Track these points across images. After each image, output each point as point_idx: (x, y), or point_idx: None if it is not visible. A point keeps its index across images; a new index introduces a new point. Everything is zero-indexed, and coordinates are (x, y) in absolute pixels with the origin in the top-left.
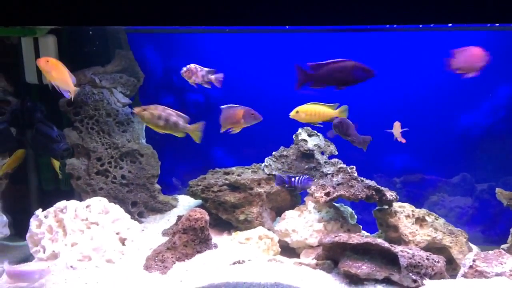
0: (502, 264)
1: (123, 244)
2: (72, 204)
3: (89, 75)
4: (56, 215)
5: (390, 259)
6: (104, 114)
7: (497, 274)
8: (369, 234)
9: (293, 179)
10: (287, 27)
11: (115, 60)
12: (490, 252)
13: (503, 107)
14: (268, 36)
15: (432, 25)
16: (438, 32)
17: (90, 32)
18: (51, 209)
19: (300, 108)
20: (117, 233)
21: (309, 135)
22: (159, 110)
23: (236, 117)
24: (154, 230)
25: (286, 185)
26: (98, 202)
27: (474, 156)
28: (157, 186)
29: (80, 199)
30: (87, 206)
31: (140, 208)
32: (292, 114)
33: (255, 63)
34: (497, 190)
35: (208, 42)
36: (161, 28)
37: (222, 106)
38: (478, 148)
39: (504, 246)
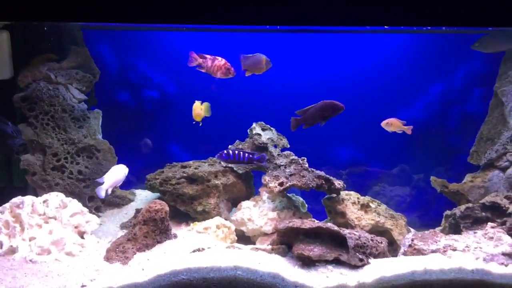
0: (436, 242)
1: (82, 237)
2: (29, 199)
3: (44, 71)
4: (13, 211)
5: (339, 242)
6: (60, 110)
7: (433, 251)
8: (319, 221)
9: (236, 152)
10: (243, 26)
11: (70, 57)
12: (426, 232)
13: (435, 103)
14: (222, 34)
15: (370, 27)
16: (377, 34)
17: (45, 28)
18: (6, 205)
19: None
20: (76, 227)
21: (263, 129)
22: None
23: (260, 63)
24: (112, 224)
25: (231, 159)
26: (55, 197)
27: (411, 149)
28: None
29: (36, 195)
30: (44, 201)
31: (97, 203)
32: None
33: None
34: (432, 178)
35: (165, 39)
36: (116, 25)
37: (244, 55)
38: (415, 142)
39: (438, 228)
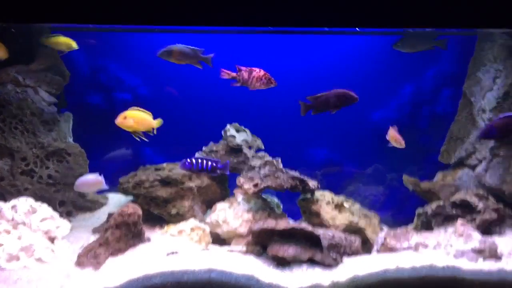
0: (408, 240)
1: (53, 243)
2: None
3: (12, 74)
4: None
5: (313, 242)
6: (29, 113)
7: (405, 249)
8: (294, 221)
9: (200, 160)
10: (214, 27)
11: (39, 59)
12: (398, 230)
13: (407, 104)
14: (194, 36)
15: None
16: (349, 35)
17: (13, 30)
18: None
19: (129, 113)
20: (46, 232)
21: (237, 131)
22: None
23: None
24: (84, 229)
25: (194, 169)
26: (24, 202)
27: (384, 149)
28: None
29: (4, 200)
30: (13, 207)
31: (68, 207)
32: (119, 121)
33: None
34: (404, 177)
35: (137, 40)
36: (86, 26)
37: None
38: (387, 141)
39: (410, 226)
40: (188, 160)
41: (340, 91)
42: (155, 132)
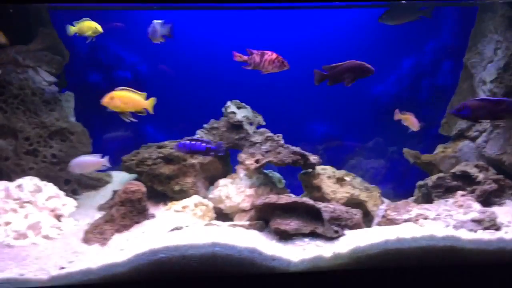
0: (409, 212)
1: (59, 220)
2: (2, 184)
3: (12, 54)
4: None
5: (314, 215)
6: (30, 93)
7: (405, 221)
8: (296, 196)
9: (193, 142)
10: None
11: (38, 38)
12: (399, 202)
13: (407, 77)
14: (194, 12)
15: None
16: (350, 8)
17: (10, 10)
18: None
19: (116, 94)
20: (52, 210)
21: (238, 108)
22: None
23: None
24: (90, 206)
25: (187, 150)
26: (29, 181)
27: (385, 122)
28: None
29: (10, 180)
30: (19, 186)
31: (73, 186)
32: (105, 101)
33: (184, 40)
34: (404, 150)
35: (136, 18)
36: (85, 5)
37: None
38: (388, 115)
39: (411, 198)
40: (182, 142)
41: (357, 63)
42: (151, 111)
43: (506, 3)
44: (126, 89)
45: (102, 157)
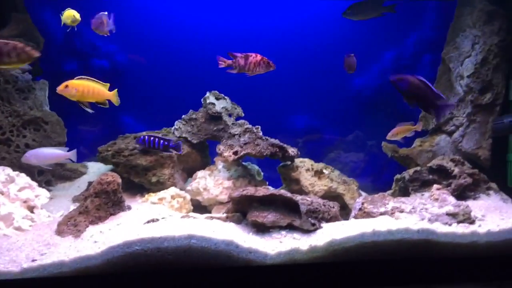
0: (385, 205)
1: (32, 212)
2: None
3: None
4: None
5: (292, 208)
6: (2, 81)
7: (381, 214)
8: (274, 188)
9: (152, 138)
10: None
11: (11, 24)
12: (376, 195)
13: (388, 70)
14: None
15: None
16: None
17: None
18: None
19: (71, 82)
20: (25, 201)
21: (217, 99)
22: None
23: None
24: (64, 198)
25: (146, 145)
26: (1, 172)
27: (365, 116)
28: None
29: None
30: None
31: (47, 177)
32: (60, 89)
33: (164, 28)
34: (383, 143)
35: (113, 5)
36: None
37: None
38: (368, 108)
39: (389, 192)
40: (142, 137)
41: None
42: (116, 102)
43: None
44: (85, 78)
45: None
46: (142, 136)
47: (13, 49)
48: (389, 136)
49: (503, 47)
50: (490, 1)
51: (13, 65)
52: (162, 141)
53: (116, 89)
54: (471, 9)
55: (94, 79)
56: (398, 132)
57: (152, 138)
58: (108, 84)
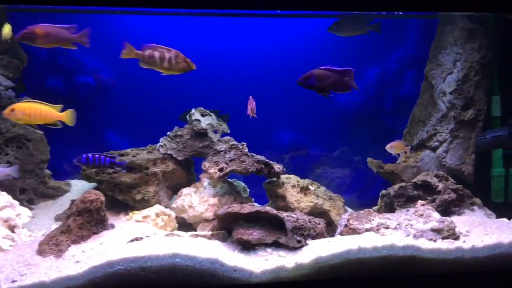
0: (370, 221)
1: (13, 231)
2: None
3: None
4: None
5: (278, 225)
6: None
7: (367, 230)
8: (260, 205)
9: (96, 156)
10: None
11: None
12: (361, 212)
13: (372, 86)
14: (155, 18)
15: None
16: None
17: None
18: None
19: (18, 105)
20: (6, 221)
21: (202, 115)
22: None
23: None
24: (46, 216)
25: (90, 164)
26: None
27: (351, 131)
28: (47, 172)
29: None
30: None
31: (29, 195)
32: (5, 113)
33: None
34: (368, 159)
35: (98, 22)
36: (44, 7)
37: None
38: (354, 124)
39: (375, 207)
40: (85, 155)
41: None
42: (69, 123)
43: (466, 16)
44: (32, 101)
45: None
46: (84, 155)
47: (175, 57)
48: (387, 147)
49: (484, 64)
50: (471, 20)
51: (170, 72)
52: (108, 158)
53: (71, 110)
54: (452, 27)
55: (41, 102)
56: (395, 146)
57: (97, 156)
58: (60, 106)
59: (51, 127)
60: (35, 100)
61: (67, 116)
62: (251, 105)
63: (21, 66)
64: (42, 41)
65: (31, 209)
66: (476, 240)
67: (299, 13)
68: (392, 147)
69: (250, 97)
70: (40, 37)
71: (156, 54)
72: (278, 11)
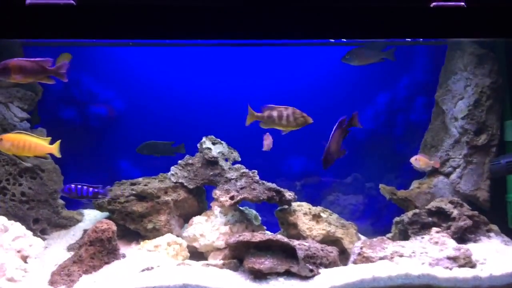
0: (384, 249)
1: (26, 262)
2: None
3: None
4: None
5: (289, 253)
6: (0, 130)
7: (381, 258)
8: (272, 233)
9: (79, 186)
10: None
11: None
12: (374, 239)
13: (382, 113)
14: (167, 48)
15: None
16: (323, 46)
17: None
18: None
19: (6, 136)
20: (19, 251)
21: (213, 143)
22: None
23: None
24: (59, 246)
25: (73, 194)
26: None
27: (363, 158)
28: (60, 202)
29: None
30: None
31: (42, 225)
32: None
33: (158, 74)
34: (380, 186)
35: (110, 54)
36: (58, 41)
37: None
38: (366, 151)
39: (389, 235)
40: (68, 186)
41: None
42: (57, 155)
43: (475, 41)
44: (23, 133)
45: None
46: (67, 185)
47: (292, 114)
48: (412, 159)
49: (495, 89)
50: (480, 45)
51: (289, 128)
52: (91, 188)
53: (59, 142)
54: (461, 52)
55: (31, 134)
56: (420, 159)
57: (79, 186)
58: (49, 138)
59: (42, 158)
60: (25, 132)
61: (56, 149)
62: (267, 141)
63: (36, 98)
64: (16, 76)
65: (44, 239)
66: (494, 268)
67: (306, 42)
68: (417, 160)
69: (267, 133)
70: (14, 71)
71: (274, 113)
72: (286, 40)
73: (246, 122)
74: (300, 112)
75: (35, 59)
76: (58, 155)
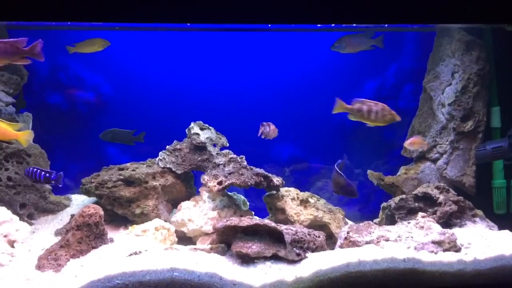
0: (370, 234)
1: (12, 246)
2: None
3: None
4: None
5: (277, 238)
6: None
7: (367, 242)
8: (260, 218)
9: (35, 170)
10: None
11: None
12: (361, 224)
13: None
14: (158, 32)
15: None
16: (311, 33)
17: None
18: None
19: None
20: (5, 236)
21: (201, 129)
22: None
23: None
24: (46, 231)
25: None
26: None
27: (351, 144)
28: (48, 187)
29: None
30: None
31: (29, 210)
32: None
33: (147, 59)
34: (368, 172)
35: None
36: (45, 24)
37: None
38: (354, 137)
39: (376, 220)
40: (28, 168)
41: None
42: (23, 144)
43: (463, 28)
44: None
45: None
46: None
47: (381, 110)
48: (406, 144)
49: (482, 75)
50: (468, 31)
51: (376, 123)
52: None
53: (28, 131)
54: (449, 39)
55: (1, 119)
56: (414, 142)
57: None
58: (19, 124)
59: (5, 143)
60: None
61: (22, 136)
62: (267, 129)
63: (21, 82)
64: None
65: (31, 224)
66: (478, 252)
67: (295, 27)
68: (411, 144)
69: (270, 122)
70: None
71: (364, 107)
72: (277, 25)
73: (333, 111)
74: (389, 109)
75: (8, 40)
76: (24, 144)
